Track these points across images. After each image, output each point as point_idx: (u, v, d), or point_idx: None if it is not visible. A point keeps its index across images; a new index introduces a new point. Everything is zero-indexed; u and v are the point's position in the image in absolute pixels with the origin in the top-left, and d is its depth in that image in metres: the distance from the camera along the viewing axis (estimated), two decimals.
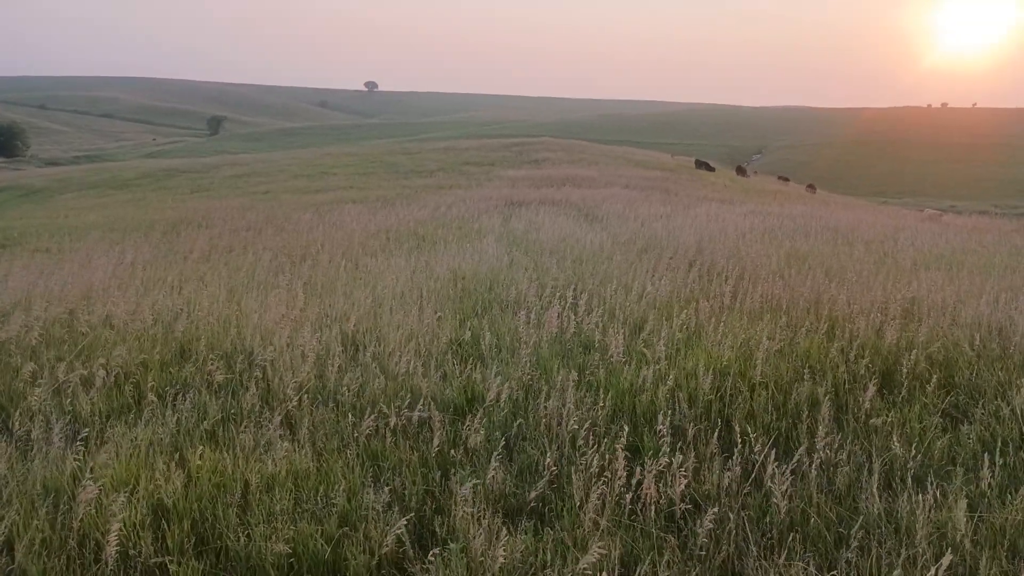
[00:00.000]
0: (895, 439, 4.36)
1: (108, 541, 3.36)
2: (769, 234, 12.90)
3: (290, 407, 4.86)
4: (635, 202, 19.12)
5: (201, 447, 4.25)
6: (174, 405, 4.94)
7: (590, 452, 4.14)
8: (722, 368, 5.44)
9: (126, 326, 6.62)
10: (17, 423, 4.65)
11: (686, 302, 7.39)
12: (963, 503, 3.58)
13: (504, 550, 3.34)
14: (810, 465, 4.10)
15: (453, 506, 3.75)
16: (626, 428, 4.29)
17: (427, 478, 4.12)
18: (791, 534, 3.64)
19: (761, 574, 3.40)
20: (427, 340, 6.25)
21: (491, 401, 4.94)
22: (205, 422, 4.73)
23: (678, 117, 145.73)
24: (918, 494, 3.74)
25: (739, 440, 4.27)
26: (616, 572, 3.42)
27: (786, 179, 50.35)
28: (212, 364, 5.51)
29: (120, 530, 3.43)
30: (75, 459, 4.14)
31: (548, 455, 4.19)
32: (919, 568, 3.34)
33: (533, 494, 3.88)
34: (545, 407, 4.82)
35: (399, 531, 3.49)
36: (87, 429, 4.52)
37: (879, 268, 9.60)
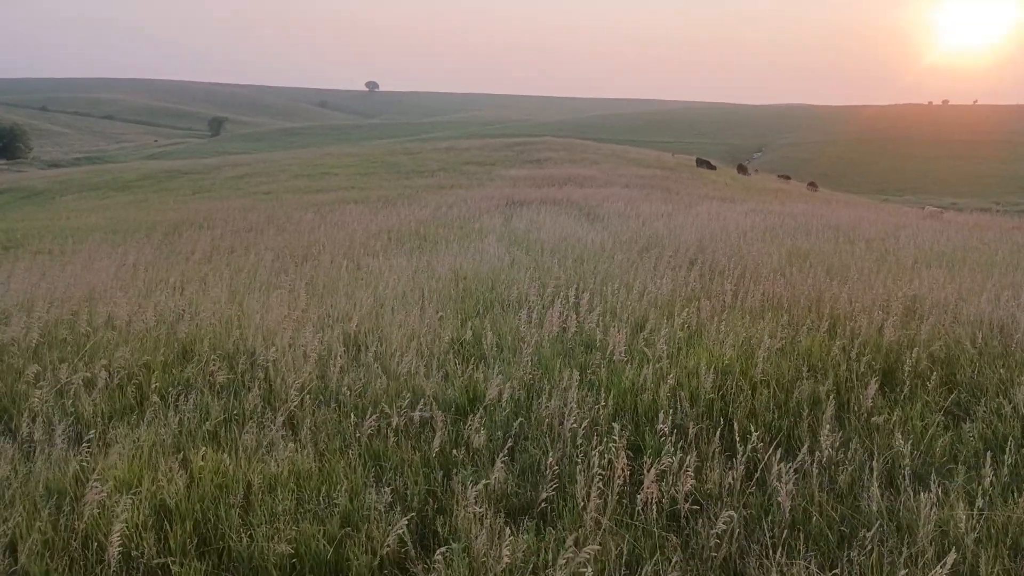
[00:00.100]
0: (897, 437, 4.36)
1: (111, 542, 3.37)
2: (770, 232, 12.89)
3: (292, 408, 4.87)
4: (636, 201, 19.11)
5: (203, 448, 4.26)
6: (176, 406, 4.94)
7: (592, 451, 4.14)
8: (724, 367, 5.44)
9: (128, 327, 6.63)
10: (24, 425, 4.66)
11: (687, 301, 7.38)
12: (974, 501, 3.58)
13: (507, 550, 3.35)
14: (812, 464, 4.10)
15: (455, 506, 3.76)
16: (628, 427, 4.29)
17: (429, 478, 4.13)
18: (793, 533, 3.64)
19: (763, 573, 3.40)
20: (429, 340, 6.25)
21: (493, 400, 4.95)
22: (207, 423, 4.74)
23: (679, 115, 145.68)
24: (920, 492, 3.74)
25: (740, 439, 4.27)
26: (620, 572, 3.42)
27: (787, 177, 50.30)
28: (214, 365, 5.52)
29: (123, 531, 3.43)
30: (82, 461, 4.15)
31: (550, 455, 4.19)
32: (921, 567, 3.34)
33: (542, 495, 3.88)
34: (547, 406, 4.82)
35: (401, 531, 3.50)
36: (91, 431, 4.53)
37: (880, 266, 9.59)
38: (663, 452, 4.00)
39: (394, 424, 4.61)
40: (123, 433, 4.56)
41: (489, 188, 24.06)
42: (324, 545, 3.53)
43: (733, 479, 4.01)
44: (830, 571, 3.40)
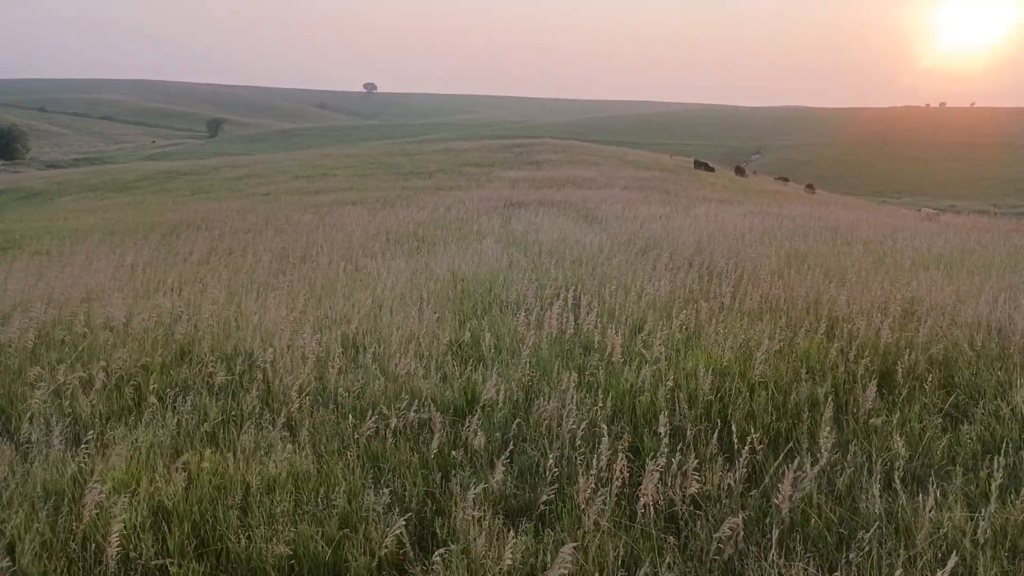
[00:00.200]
0: (895, 439, 4.36)
1: (110, 543, 3.37)
2: (768, 234, 12.91)
3: (291, 409, 4.86)
4: (634, 203, 19.13)
5: (205, 449, 4.26)
6: (174, 407, 4.94)
7: (590, 453, 4.14)
8: (722, 368, 5.45)
9: (126, 328, 6.62)
10: (23, 426, 4.65)
11: (685, 302, 7.39)
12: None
13: (507, 551, 3.35)
14: (810, 465, 4.10)
15: (453, 507, 3.76)
16: (626, 429, 4.30)
17: (427, 479, 4.12)
18: (791, 534, 3.64)
19: (761, 574, 3.40)
20: (427, 341, 6.25)
21: (491, 402, 4.95)
22: (205, 424, 4.73)
23: (677, 118, 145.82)
24: (919, 494, 3.74)
25: (739, 441, 4.27)
26: (619, 573, 3.42)
27: (785, 179, 50.35)
28: (212, 366, 5.52)
29: (121, 532, 3.43)
30: (80, 462, 4.14)
31: (549, 456, 4.19)
32: (920, 569, 3.34)
33: (542, 497, 3.87)
34: (545, 408, 4.82)
35: (399, 532, 3.50)
36: (89, 432, 4.52)
37: (878, 268, 9.60)
38: (661, 454, 3.99)
39: (392, 425, 4.60)
40: (121, 434, 4.56)
41: (487, 189, 24.06)
42: (322, 546, 3.53)
43: (732, 481, 4.01)
44: (829, 573, 3.40)
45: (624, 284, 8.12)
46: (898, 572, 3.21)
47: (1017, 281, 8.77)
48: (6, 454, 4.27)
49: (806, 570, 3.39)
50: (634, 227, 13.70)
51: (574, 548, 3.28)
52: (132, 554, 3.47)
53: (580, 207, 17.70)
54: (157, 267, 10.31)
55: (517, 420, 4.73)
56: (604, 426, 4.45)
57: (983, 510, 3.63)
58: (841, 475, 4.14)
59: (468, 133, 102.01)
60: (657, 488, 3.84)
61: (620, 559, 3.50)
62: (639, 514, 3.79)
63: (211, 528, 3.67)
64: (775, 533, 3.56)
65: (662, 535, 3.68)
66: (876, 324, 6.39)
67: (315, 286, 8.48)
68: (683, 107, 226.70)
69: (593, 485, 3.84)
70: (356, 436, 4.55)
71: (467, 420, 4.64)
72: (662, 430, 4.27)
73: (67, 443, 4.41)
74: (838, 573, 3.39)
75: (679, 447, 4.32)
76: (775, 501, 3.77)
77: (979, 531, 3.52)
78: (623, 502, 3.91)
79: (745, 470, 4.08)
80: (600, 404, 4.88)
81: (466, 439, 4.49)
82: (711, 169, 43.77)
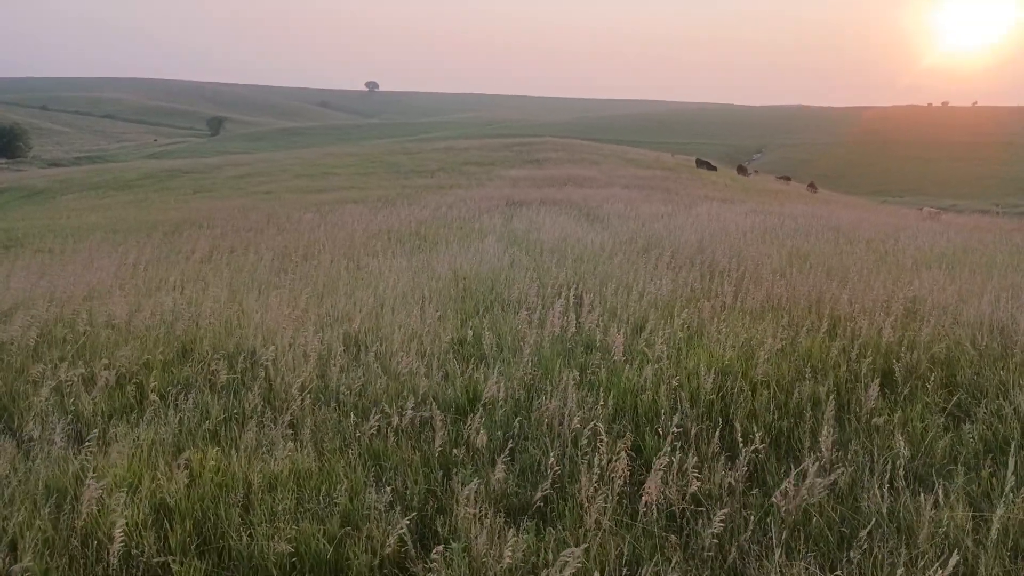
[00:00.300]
0: (897, 438, 4.36)
1: (114, 538, 3.37)
2: (770, 233, 12.90)
3: (293, 408, 4.87)
4: (636, 201, 19.12)
5: (209, 448, 4.26)
6: (176, 405, 4.94)
7: (592, 452, 4.14)
8: (724, 367, 5.45)
9: (128, 326, 6.63)
10: (24, 424, 4.66)
11: (687, 301, 7.39)
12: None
13: (508, 550, 3.35)
14: (812, 464, 4.10)
15: (455, 506, 3.76)
16: (628, 427, 4.29)
17: (429, 478, 4.13)
18: (793, 533, 3.64)
19: (763, 574, 3.40)
20: (429, 340, 6.25)
21: (493, 400, 4.95)
22: (207, 422, 4.74)
23: (679, 116, 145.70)
24: (920, 493, 3.74)
25: (741, 440, 4.27)
26: (621, 572, 3.42)
27: (787, 178, 50.30)
28: (214, 364, 5.52)
29: (124, 529, 3.43)
30: (82, 460, 4.15)
31: (551, 455, 4.19)
32: (921, 568, 3.34)
33: (538, 495, 3.88)
34: (547, 406, 4.82)
35: (401, 531, 3.50)
36: (94, 430, 4.53)
37: (880, 267, 9.59)
38: (663, 452, 3.99)
39: (394, 424, 4.61)
40: (123, 432, 4.56)
41: (489, 188, 24.06)
42: (324, 544, 3.53)
43: (733, 480, 4.01)
44: (830, 572, 3.40)
45: (626, 283, 8.12)
46: (900, 571, 3.21)
47: (1019, 280, 8.76)
48: (8, 451, 4.27)
49: (807, 569, 3.39)
50: (636, 226, 13.69)
51: (584, 550, 3.28)
52: (134, 551, 3.48)
53: (581, 206, 17.70)
54: (159, 265, 10.32)
55: (519, 419, 4.73)
56: (605, 425, 4.46)
57: (997, 510, 3.61)
58: (843, 474, 4.13)
59: (469, 132, 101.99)
60: (659, 487, 3.84)
61: (621, 558, 3.50)
62: (640, 513, 3.79)
63: (213, 526, 3.67)
64: (776, 532, 3.56)
65: (663, 534, 3.68)
66: (878, 323, 6.39)
67: (317, 284, 8.49)
68: (685, 106, 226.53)
69: (595, 484, 3.84)
70: (358, 434, 4.55)
71: (469, 418, 4.64)
72: (674, 429, 4.27)
73: (69, 441, 4.42)
74: (839, 572, 3.39)
75: (681, 446, 4.32)
76: (776, 500, 3.77)
77: (988, 530, 3.51)
78: (624, 501, 3.91)
79: (746, 468, 4.08)
80: (602, 403, 4.88)
81: (468, 437, 4.49)
82: (713, 168, 43.73)
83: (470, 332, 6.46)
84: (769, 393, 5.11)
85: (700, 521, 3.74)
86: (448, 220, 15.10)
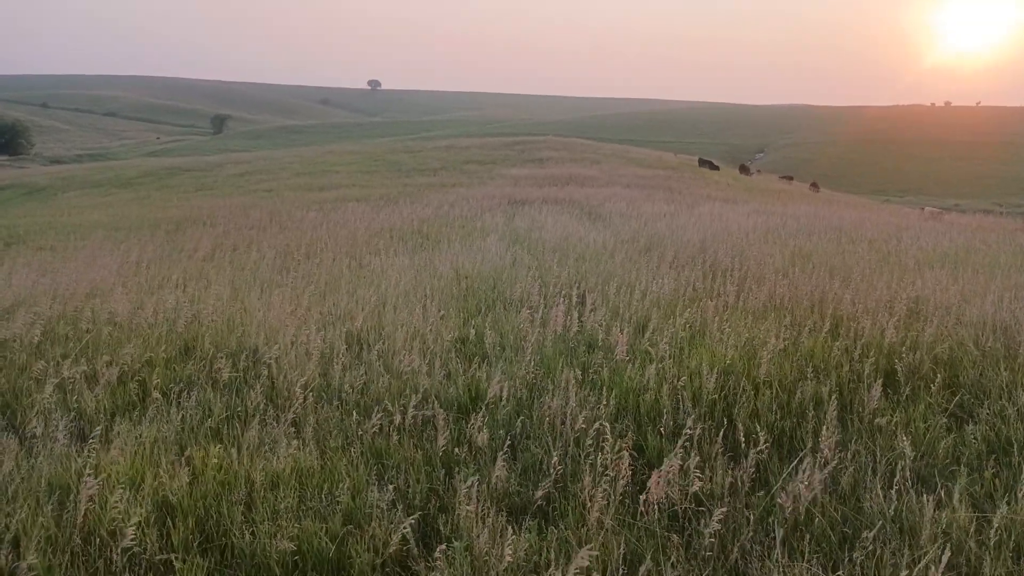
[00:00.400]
0: (900, 438, 4.35)
1: (125, 533, 3.37)
2: (773, 233, 12.89)
3: (295, 406, 4.87)
4: (638, 201, 19.11)
5: (206, 445, 4.26)
6: (179, 403, 4.95)
7: (594, 451, 4.13)
8: (726, 367, 5.44)
9: (131, 324, 6.63)
10: (27, 421, 4.66)
11: (690, 301, 7.38)
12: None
13: (509, 548, 3.35)
14: (814, 465, 4.09)
15: (457, 504, 3.76)
16: (630, 427, 4.29)
17: (431, 476, 4.12)
18: (795, 533, 3.64)
19: (765, 573, 3.40)
20: (431, 338, 6.25)
21: (495, 399, 4.95)
22: (210, 420, 4.74)
23: (681, 115, 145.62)
24: (923, 494, 3.73)
25: (743, 439, 4.26)
26: (622, 571, 3.42)
27: (790, 178, 50.25)
28: (217, 362, 5.52)
29: (130, 526, 3.43)
30: (85, 457, 4.15)
31: (553, 454, 4.19)
32: (924, 568, 3.33)
33: (539, 493, 3.88)
34: (549, 405, 4.82)
35: (404, 530, 3.50)
36: (97, 428, 4.53)
37: (883, 267, 9.58)
38: (673, 454, 3.99)
39: (396, 422, 4.61)
40: (126, 429, 4.56)
41: (490, 187, 24.06)
42: (326, 543, 3.53)
43: (735, 480, 4.01)
44: (833, 572, 3.40)
45: (628, 282, 8.12)
46: (903, 573, 3.20)
47: (1022, 280, 8.75)
48: (11, 448, 4.27)
49: (810, 569, 3.39)
50: (638, 225, 13.69)
51: (589, 549, 3.27)
52: (137, 548, 3.48)
53: (583, 205, 17.69)
54: (161, 263, 10.32)
55: (521, 418, 4.73)
56: (608, 424, 4.45)
57: (1004, 509, 3.60)
58: (845, 474, 4.13)
59: (471, 130, 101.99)
60: (661, 487, 3.84)
61: (624, 557, 3.49)
62: (642, 512, 3.78)
63: (215, 523, 3.67)
64: (778, 531, 3.56)
65: (665, 533, 3.68)
66: (881, 323, 6.38)
67: (319, 283, 8.49)
68: (687, 105, 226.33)
69: (597, 483, 3.83)
70: (360, 433, 4.55)
71: (471, 417, 4.64)
72: (685, 431, 4.26)
73: (72, 438, 4.42)
74: (841, 572, 3.39)
75: (683, 445, 4.32)
76: (779, 500, 3.76)
77: (991, 531, 3.50)
78: (626, 500, 3.91)
79: (749, 468, 4.07)
80: (604, 402, 4.88)
81: (470, 436, 4.49)
82: (716, 167, 43.69)
83: (472, 331, 6.46)
84: (771, 393, 5.11)
85: (702, 521, 3.74)
86: (450, 219, 15.10)
